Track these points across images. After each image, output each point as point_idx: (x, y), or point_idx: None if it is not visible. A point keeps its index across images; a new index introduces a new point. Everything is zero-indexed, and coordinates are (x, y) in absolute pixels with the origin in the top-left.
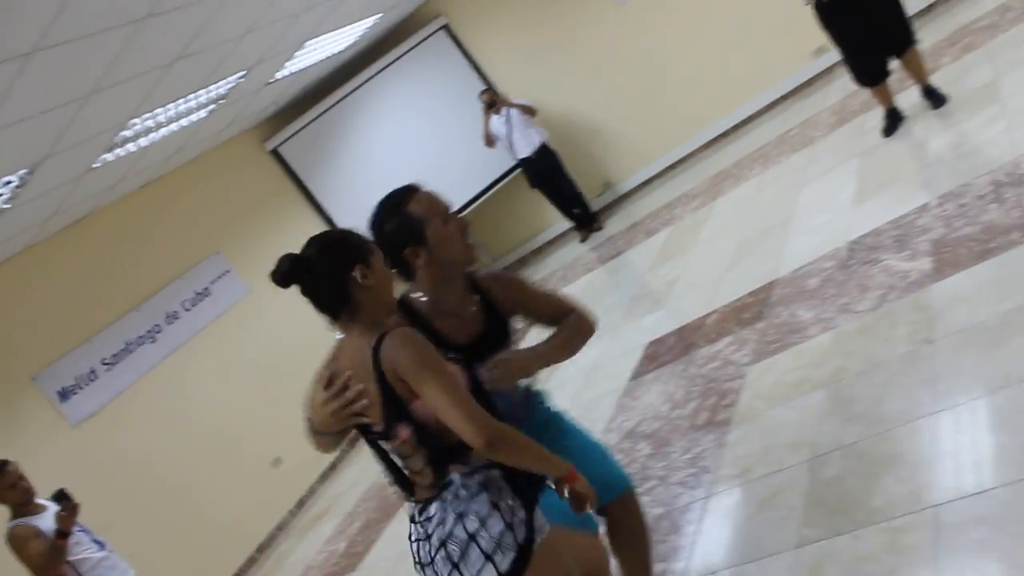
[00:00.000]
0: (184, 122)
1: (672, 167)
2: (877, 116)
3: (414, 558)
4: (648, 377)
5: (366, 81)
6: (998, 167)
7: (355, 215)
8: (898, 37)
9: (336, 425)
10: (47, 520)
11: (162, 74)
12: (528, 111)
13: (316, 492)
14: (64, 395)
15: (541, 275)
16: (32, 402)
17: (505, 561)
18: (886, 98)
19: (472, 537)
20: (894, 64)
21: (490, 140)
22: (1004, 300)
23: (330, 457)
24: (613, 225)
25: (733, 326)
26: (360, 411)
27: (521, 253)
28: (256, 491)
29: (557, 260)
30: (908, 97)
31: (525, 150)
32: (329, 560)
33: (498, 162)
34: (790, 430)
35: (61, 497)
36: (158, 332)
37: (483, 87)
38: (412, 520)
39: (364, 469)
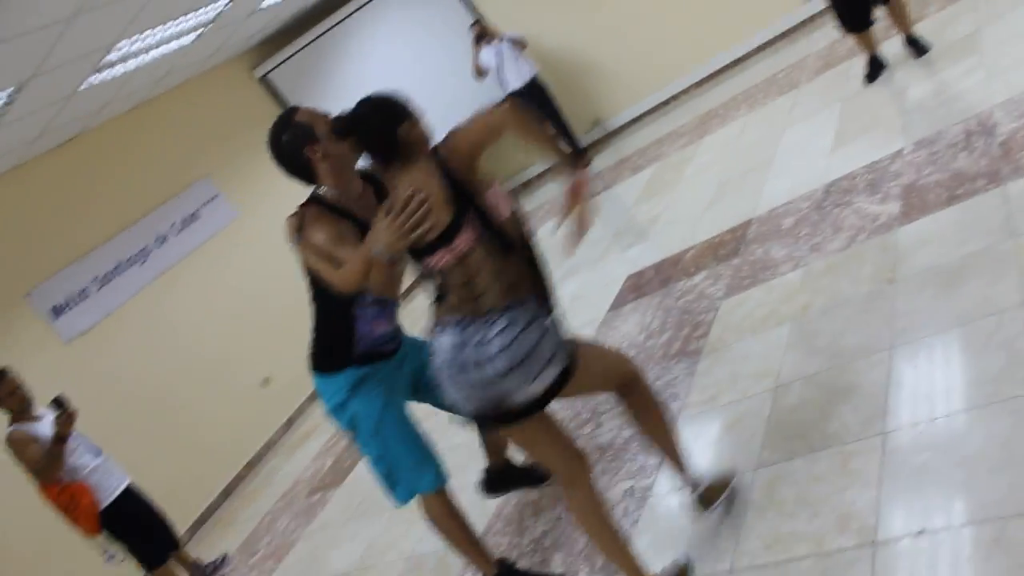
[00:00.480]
0: (173, 45)
1: (662, 105)
2: (861, 63)
3: (448, 363)
4: (627, 308)
5: (357, 9)
6: (972, 116)
7: None
8: None
9: (403, 243)
10: (45, 427)
11: None
12: (519, 44)
13: (305, 412)
14: (56, 312)
15: (527, 209)
16: (25, 319)
17: (559, 366)
18: (870, 45)
19: (537, 344)
20: (879, 13)
21: (480, 72)
22: (964, 244)
23: None
24: (601, 161)
25: (710, 261)
26: (425, 218)
27: (508, 187)
28: (245, 410)
29: (544, 194)
30: (891, 46)
31: (515, 83)
32: (316, 475)
33: (487, 94)
34: (756, 361)
35: (59, 404)
36: (148, 253)
37: (474, 19)
38: (442, 330)
39: None
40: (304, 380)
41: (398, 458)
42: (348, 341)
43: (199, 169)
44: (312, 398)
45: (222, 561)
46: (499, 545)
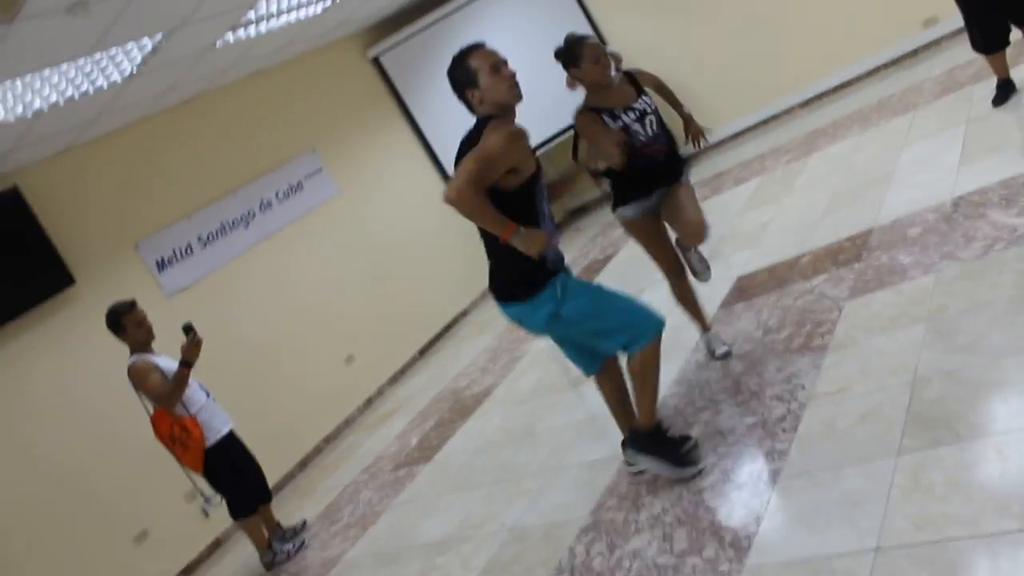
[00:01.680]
0: (303, 13)
1: (764, 123)
2: (986, 88)
3: None
4: (739, 307)
5: (475, 0)
6: None
7: (447, 132)
8: None
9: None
10: (163, 361)
11: None
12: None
13: (384, 393)
14: (161, 265)
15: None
16: (133, 268)
17: None
18: (1002, 68)
19: None
20: (1016, 35)
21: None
22: None
23: (401, 359)
24: (699, 172)
25: (829, 265)
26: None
27: (601, 192)
28: (329, 384)
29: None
30: (1022, 71)
31: None
32: (401, 451)
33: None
34: (890, 357)
35: (188, 329)
36: (252, 218)
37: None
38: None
39: (434, 375)
40: (386, 361)
41: (631, 308)
42: (541, 259)
43: (307, 141)
44: (392, 380)
45: (303, 526)
46: (614, 521)
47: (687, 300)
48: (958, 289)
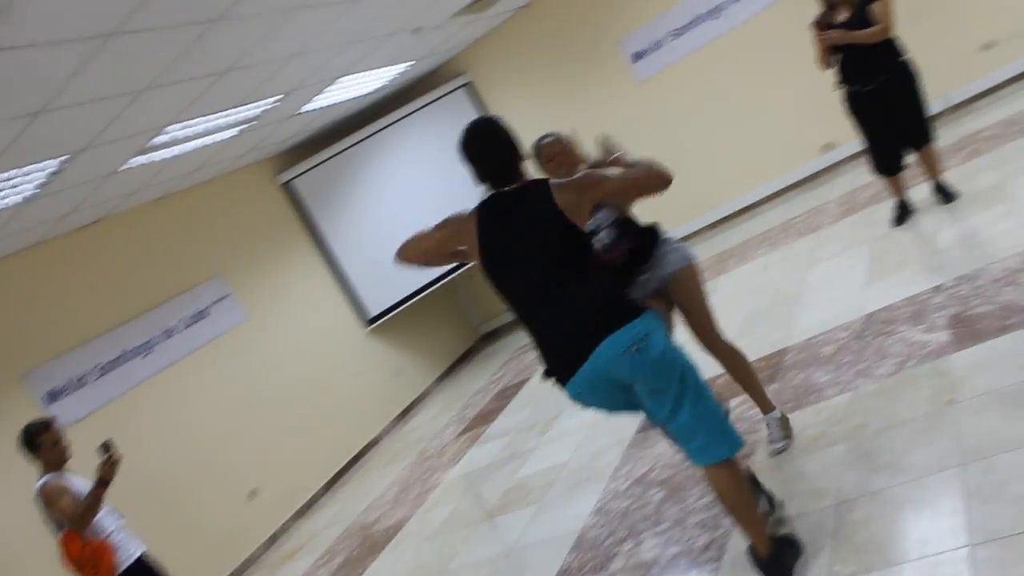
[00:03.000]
0: (212, 139)
1: None
2: (885, 208)
3: None
4: (655, 431)
5: (384, 128)
6: (1011, 255)
7: (358, 257)
8: (918, 132)
9: None
10: (76, 481)
11: (211, 83)
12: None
13: (289, 530)
14: (53, 396)
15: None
16: (19, 401)
17: None
18: (898, 189)
19: None
20: (910, 159)
21: None
22: None
23: (307, 492)
24: None
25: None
26: None
27: (511, 316)
28: (230, 521)
29: None
30: (918, 192)
31: None
32: None
33: None
34: (813, 479)
35: (106, 448)
36: (153, 346)
37: None
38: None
39: (342, 509)
40: (291, 496)
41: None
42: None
43: (214, 266)
44: (298, 515)
45: None
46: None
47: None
48: (875, 407)
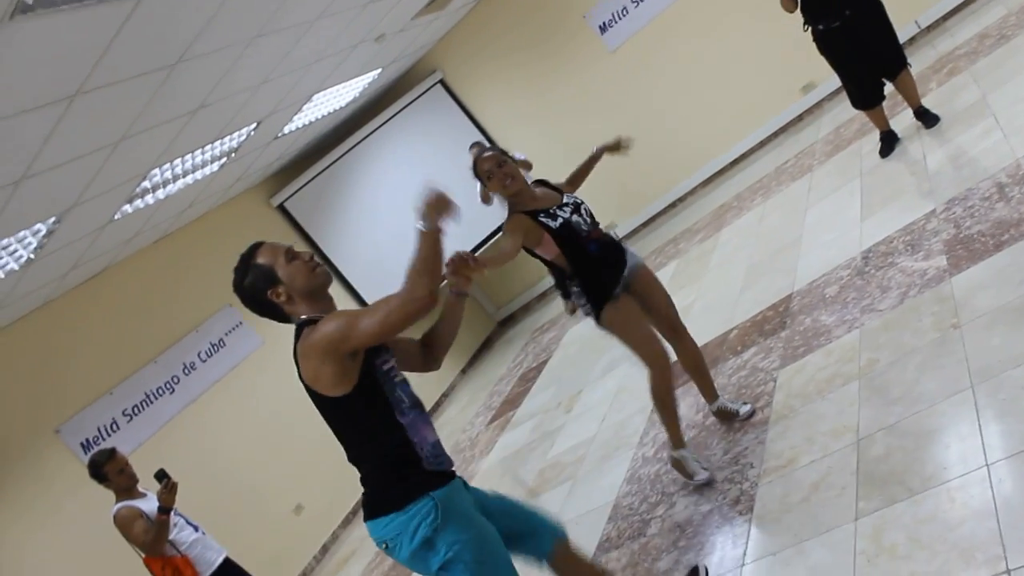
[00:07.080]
0: (198, 175)
1: (672, 206)
2: (872, 141)
3: None
4: (676, 392)
5: (367, 136)
6: (999, 171)
7: (362, 265)
8: (891, 60)
9: None
10: (149, 503)
11: (185, 123)
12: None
13: (339, 538)
14: (87, 447)
15: (544, 319)
16: (56, 454)
17: None
18: (882, 121)
19: None
20: (889, 88)
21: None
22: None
23: (352, 502)
24: None
25: (756, 337)
26: None
27: (525, 299)
28: (279, 539)
29: (559, 304)
30: (901, 121)
31: None
32: None
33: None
34: (830, 420)
35: (162, 475)
36: (176, 383)
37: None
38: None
39: None
40: (336, 506)
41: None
42: (414, 457)
43: (222, 297)
44: (346, 523)
45: None
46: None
47: (693, 367)
48: (883, 341)
